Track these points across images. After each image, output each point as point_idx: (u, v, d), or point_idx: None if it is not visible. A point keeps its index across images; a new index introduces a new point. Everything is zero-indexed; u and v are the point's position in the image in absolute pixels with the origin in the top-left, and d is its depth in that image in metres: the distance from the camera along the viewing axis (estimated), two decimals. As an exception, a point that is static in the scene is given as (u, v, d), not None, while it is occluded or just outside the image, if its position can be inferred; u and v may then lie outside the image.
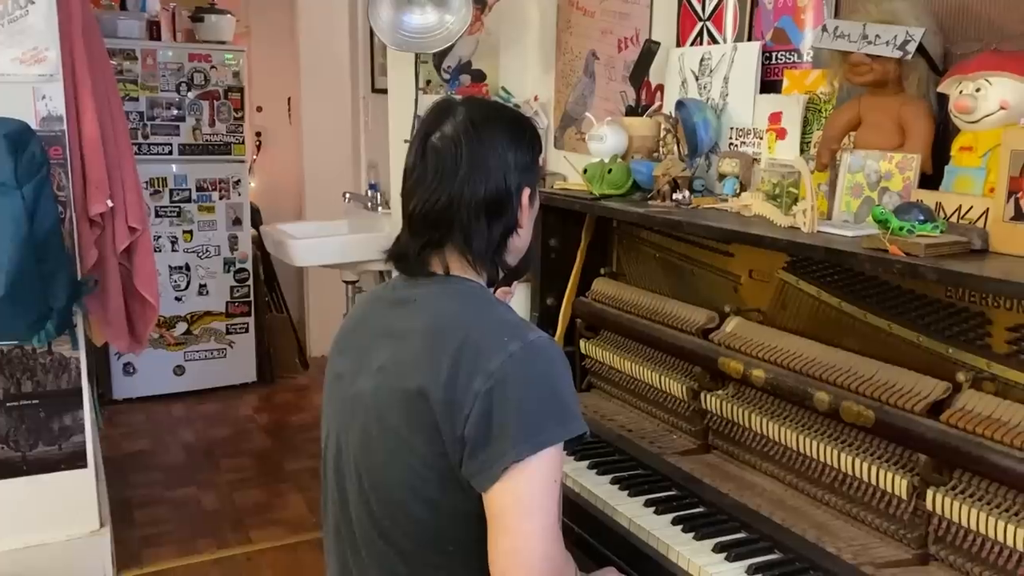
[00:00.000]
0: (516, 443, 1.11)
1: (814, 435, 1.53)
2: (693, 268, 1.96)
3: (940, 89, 1.44)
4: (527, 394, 1.14)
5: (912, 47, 1.42)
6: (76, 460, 2.61)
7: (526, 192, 1.30)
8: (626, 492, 1.62)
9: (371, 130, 3.92)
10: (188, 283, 4.34)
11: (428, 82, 2.88)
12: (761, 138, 1.88)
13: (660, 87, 2.26)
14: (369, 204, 3.61)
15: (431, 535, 1.23)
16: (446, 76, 2.90)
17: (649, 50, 2.18)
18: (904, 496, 1.37)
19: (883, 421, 1.39)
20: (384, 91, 3.67)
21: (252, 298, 4.55)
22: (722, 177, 1.91)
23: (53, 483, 2.59)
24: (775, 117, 1.84)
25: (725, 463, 1.75)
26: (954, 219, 1.38)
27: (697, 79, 2.07)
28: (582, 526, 1.62)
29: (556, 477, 1.16)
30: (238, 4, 4.69)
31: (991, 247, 1.31)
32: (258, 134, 4.81)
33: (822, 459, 1.50)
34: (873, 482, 1.41)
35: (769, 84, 1.91)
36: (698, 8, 2.10)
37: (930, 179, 1.47)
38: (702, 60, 2.05)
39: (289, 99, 4.98)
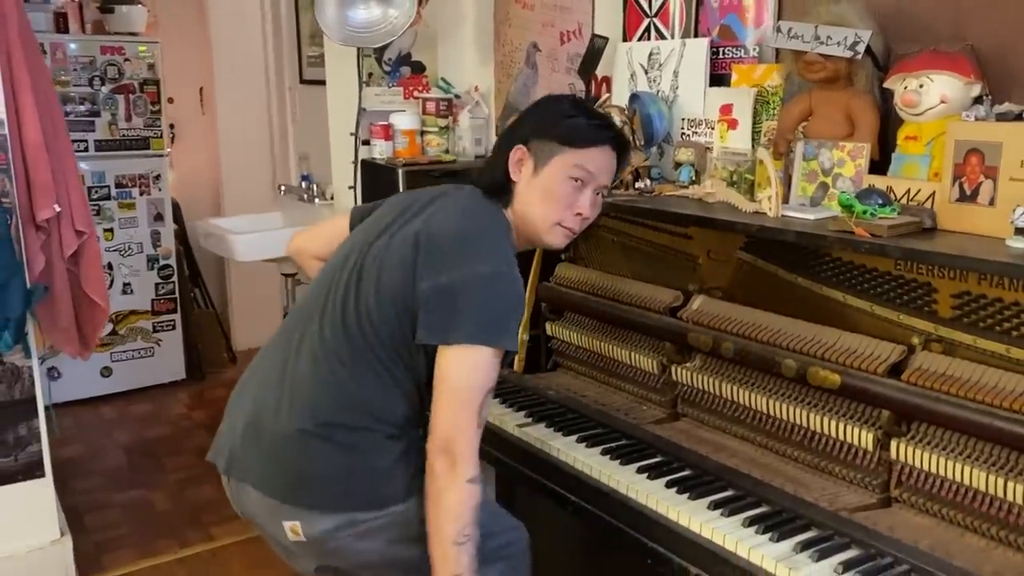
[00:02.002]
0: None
1: (783, 399, 1.69)
2: (653, 251, 2.09)
3: (886, 85, 1.62)
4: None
5: (862, 47, 1.59)
6: (34, 470, 2.57)
7: (517, 149, 1.63)
8: (618, 461, 1.75)
9: (299, 121, 3.91)
10: (112, 282, 4.23)
11: (370, 75, 2.92)
12: (712, 128, 2.03)
13: (607, 79, 2.39)
14: (305, 196, 3.62)
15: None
16: (387, 68, 2.95)
17: (597, 46, 2.30)
18: (870, 448, 1.54)
19: (848, 383, 1.56)
20: (313, 82, 3.68)
21: (177, 295, 4.48)
22: (678, 165, 2.06)
23: (12, 494, 2.54)
24: (726, 108, 1.99)
25: (697, 428, 1.90)
26: (904, 201, 1.56)
27: (647, 72, 2.20)
28: (581, 496, 1.75)
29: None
30: (145, -7, 4.56)
31: (939, 225, 1.49)
32: (171, 126, 4.69)
33: (792, 420, 1.67)
34: (841, 438, 1.59)
35: (717, 77, 2.06)
36: (644, 5, 2.23)
37: (878, 165, 1.65)
38: (651, 55, 2.19)
39: (201, 89, 4.88)
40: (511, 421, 2.02)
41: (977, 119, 1.47)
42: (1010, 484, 1.34)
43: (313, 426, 1.48)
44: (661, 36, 2.19)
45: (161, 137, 4.31)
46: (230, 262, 4.65)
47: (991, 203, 1.44)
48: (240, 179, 4.73)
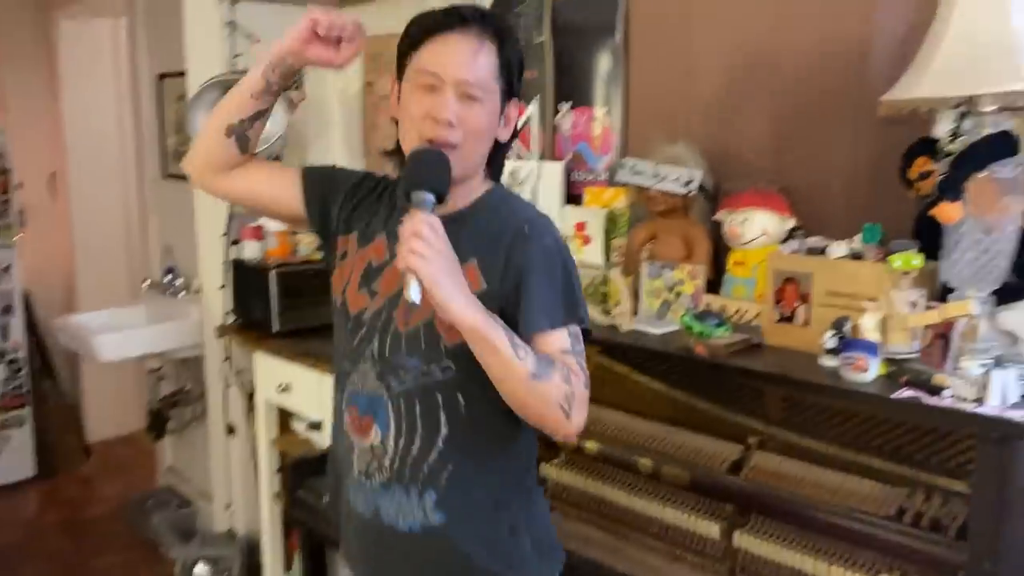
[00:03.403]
0: None
1: (640, 493, 1.88)
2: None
3: (715, 218, 1.87)
4: None
5: (694, 185, 1.83)
6: None
7: (391, 82, 1.40)
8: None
9: (162, 215, 3.89)
10: (-45, 380, 4.02)
11: (240, 178, 2.98)
12: (570, 243, 2.24)
13: (471, 190, 2.56)
14: (170, 290, 3.59)
15: None
16: (257, 171, 3.02)
17: (462, 160, 2.48)
18: (718, 537, 1.74)
19: (696, 479, 1.76)
20: (177, 176, 3.69)
21: (27, 388, 4.29)
22: (540, 275, 2.24)
23: None
24: (580, 225, 2.20)
25: (563, 524, 2.05)
26: (736, 318, 1.79)
27: (509, 187, 2.40)
28: None
29: None
30: (-9, 77, 4.44)
31: (766, 341, 1.73)
32: (20, 212, 4.53)
33: (648, 513, 1.85)
34: (692, 529, 1.78)
35: (573, 197, 2.27)
36: (505, 127, 2.44)
37: (713, 284, 1.89)
38: (512, 172, 2.38)
39: (53, 174, 4.76)
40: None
41: (792, 252, 1.73)
42: (836, 570, 1.56)
43: None
44: (520, 156, 2.40)
45: (12, 227, 4.17)
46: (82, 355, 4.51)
47: (806, 324, 1.69)
48: (96, 269, 4.62)
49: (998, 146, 1.45)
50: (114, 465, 4.58)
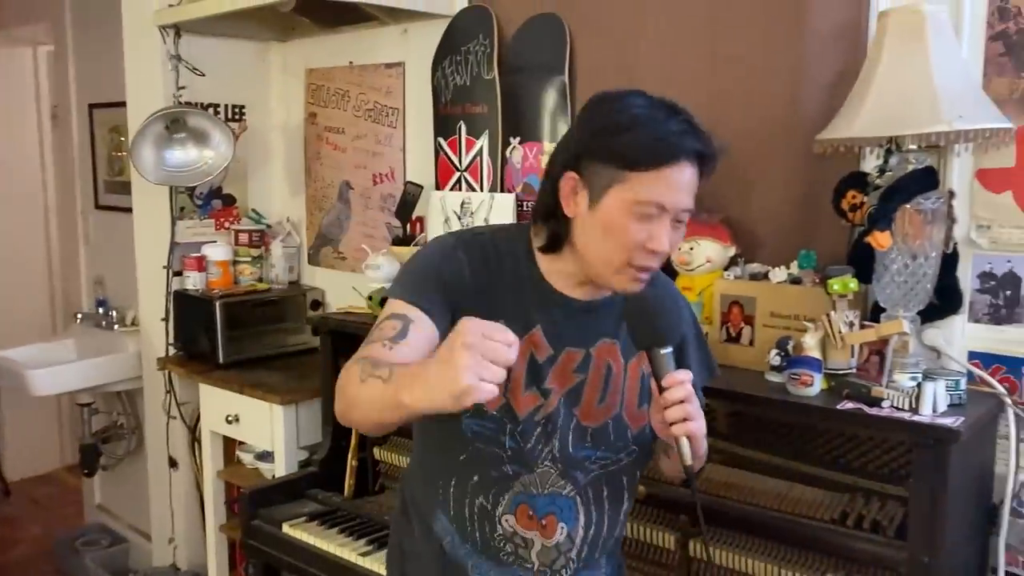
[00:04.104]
0: None
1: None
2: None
3: (665, 246, 1.99)
4: None
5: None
6: None
7: (568, 177, 1.25)
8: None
9: (93, 246, 3.83)
10: None
11: (182, 208, 2.99)
12: (522, 270, 2.33)
13: (421, 219, 2.64)
14: (104, 322, 3.53)
15: None
16: (199, 202, 3.03)
17: (411, 193, 2.56)
18: (673, 547, 1.85)
19: (652, 493, 1.87)
20: (109, 208, 3.65)
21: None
22: (493, 303, 2.33)
23: None
24: (532, 254, 2.30)
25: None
26: (686, 341, 1.91)
27: (460, 218, 2.48)
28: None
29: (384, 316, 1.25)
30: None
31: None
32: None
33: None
34: (650, 541, 1.88)
35: (523, 227, 2.37)
36: (455, 160, 2.53)
37: (662, 309, 2.01)
38: (463, 203, 2.47)
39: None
40: (352, 551, 2.15)
41: (736, 277, 1.87)
42: (786, 573, 1.68)
43: None
44: (471, 188, 2.49)
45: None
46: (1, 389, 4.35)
47: (751, 344, 1.82)
48: (14, 304, 4.48)
49: (922, 180, 1.61)
50: (36, 504, 4.43)
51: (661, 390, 1.17)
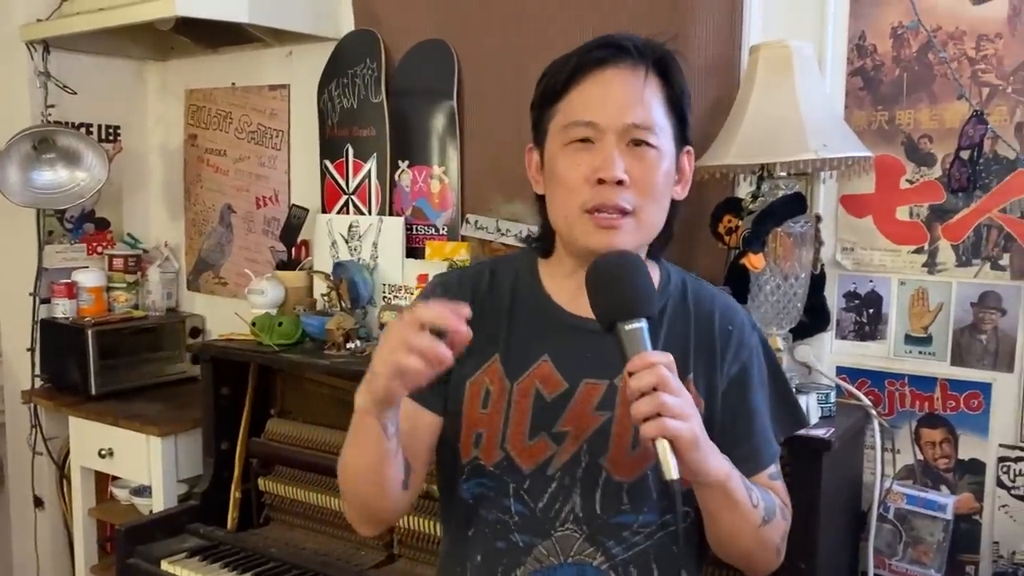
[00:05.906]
0: None
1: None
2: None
3: (553, 268, 2.03)
4: None
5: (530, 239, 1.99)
6: None
7: (527, 152, 1.15)
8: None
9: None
10: None
11: (50, 232, 2.84)
12: (411, 293, 2.33)
13: (307, 243, 2.60)
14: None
15: None
16: (70, 226, 2.89)
17: (296, 217, 2.52)
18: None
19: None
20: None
21: None
22: (382, 326, 2.31)
23: None
24: (422, 277, 2.30)
25: (415, 567, 2.11)
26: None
27: (347, 242, 2.46)
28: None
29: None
30: None
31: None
32: None
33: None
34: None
35: (413, 250, 2.37)
36: (342, 183, 2.50)
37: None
38: (351, 227, 2.45)
39: None
40: (237, 585, 2.07)
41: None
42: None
43: None
44: (360, 212, 2.47)
45: None
46: None
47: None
48: None
49: (792, 205, 1.71)
50: None
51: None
